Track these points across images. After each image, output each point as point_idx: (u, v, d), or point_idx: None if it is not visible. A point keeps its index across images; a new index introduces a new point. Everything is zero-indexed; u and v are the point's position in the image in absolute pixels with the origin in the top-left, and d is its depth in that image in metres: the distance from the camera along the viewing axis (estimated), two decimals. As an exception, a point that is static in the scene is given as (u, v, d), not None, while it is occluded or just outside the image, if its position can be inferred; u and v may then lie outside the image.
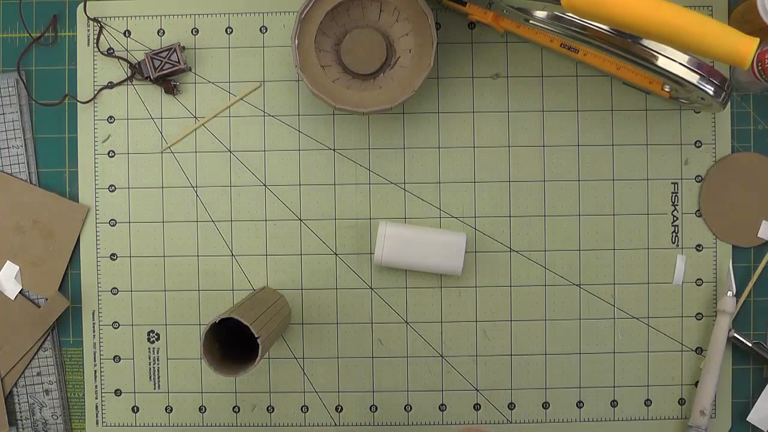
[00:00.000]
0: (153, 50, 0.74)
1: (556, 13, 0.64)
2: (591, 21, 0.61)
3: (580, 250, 0.74)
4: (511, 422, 0.75)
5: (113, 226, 0.75)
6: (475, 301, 0.75)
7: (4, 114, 0.75)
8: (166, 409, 0.75)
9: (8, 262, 0.75)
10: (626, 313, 0.74)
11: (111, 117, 0.75)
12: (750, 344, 0.73)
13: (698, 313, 0.74)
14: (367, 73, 0.71)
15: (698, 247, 0.74)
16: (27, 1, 0.75)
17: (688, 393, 0.75)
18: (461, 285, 0.75)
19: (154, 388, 0.75)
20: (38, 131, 0.76)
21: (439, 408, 0.75)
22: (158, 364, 0.75)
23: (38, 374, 0.75)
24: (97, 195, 0.75)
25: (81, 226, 0.75)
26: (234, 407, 0.75)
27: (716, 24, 0.54)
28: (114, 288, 0.75)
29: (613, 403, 0.75)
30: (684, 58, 0.62)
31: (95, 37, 0.75)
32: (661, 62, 0.62)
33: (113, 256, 0.75)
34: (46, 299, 0.75)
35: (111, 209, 0.75)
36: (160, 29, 0.75)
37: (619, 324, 0.75)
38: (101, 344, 0.75)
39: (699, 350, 0.74)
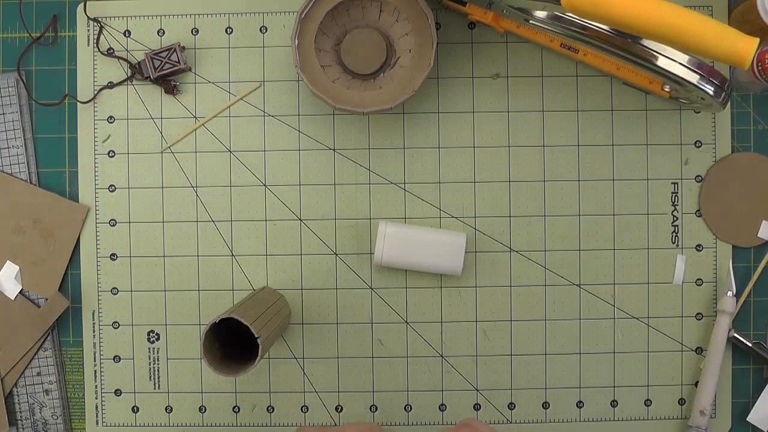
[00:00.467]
0: (153, 50, 0.74)
1: (556, 13, 0.64)
2: (591, 21, 0.61)
3: (580, 250, 0.74)
4: (511, 422, 0.75)
5: (113, 226, 0.75)
6: (475, 301, 0.75)
7: (4, 114, 0.75)
8: (166, 409, 0.75)
9: (8, 262, 0.75)
10: (626, 313, 0.74)
11: (111, 117, 0.75)
12: (750, 344, 0.73)
13: (698, 313, 0.74)
14: (367, 73, 0.71)
15: (698, 247, 0.74)
16: (27, 1, 0.75)
17: (688, 393, 0.75)
18: (461, 285, 0.75)
19: (154, 388, 0.75)
20: (38, 131, 0.76)
21: (439, 408, 0.75)
22: (158, 364, 0.75)
23: (38, 374, 0.75)
24: (97, 195, 0.75)
25: (81, 226, 0.75)
26: (234, 407, 0.75)
27: (716, 24, 0.54)
28: (114, 288, 0.75)
29: (613, 403, 0.75)
30: (684, 58, 0.62)
31: (95, 37, 0.75)
32: (661, 62, 0.62)
33: (113, 256, 0.75)
34: (46, 299, 0.75)
35: (111, 209, 0.75)
36: (160, 29, 0.75)
37: (619, 324, 0.75)
38: (101, 344, 0.75)
39: (699, 350, 0.74)
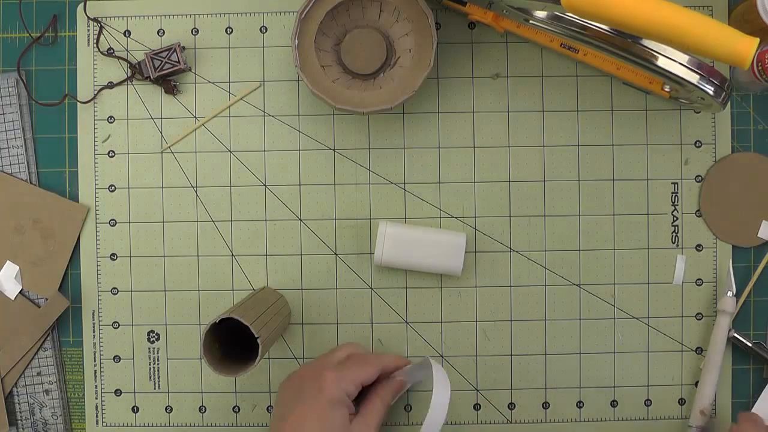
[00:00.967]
0: (153, 50, 0.74)
1: (556, 13, 0.64)
2: (591, 21, 0.61)
3: (580, 250, 0.74)
4: (511, 422, 0.75)
5: (113, 226, 0.75)
6: (475, 301, 0.75)
7: (4, 114, 0.75)
8: (166, 409, 0.75)
9: (8, 262, 0.75)
10: (626, 313, 0.74)
11: (111, 117, 0.75)
12: (750, 344, 0.73)
13: (698, 313, 0.74)
14: (367, 73, 0.71)
15: (698, 247, 0.74)
16: (27, 1, 0.75)
17: (688, 393, 0.75)
18: (461, 285, 0.75)
19: (154, 388, 0.75)
20: (38, 131, 0.76)
21: (439, 408, 0.75)
22: (158, 364, 0.75)
23: (38, 374, 0.75)
24: (97, 195, 0.75)
25: (81, 226, 0.75)
26: (234, 407, 0.75)
27: (716, 24, 0.54)
28: (114, 288, 0.75)
29: (613, 403, 0.75)
30: (684, 58, 0.62)
31: (95, 37, 0.75)
32: (661, 62, 0.62)
33: (113, 256, 0.75)
34: (46, 299, 0.75)
35: (111, 209, 0.75)
36: (160, 29, 0.75)
37: (619, 324, 0.75)
38: (101, 344, 0.75)
39: (699, 350, 0.74)
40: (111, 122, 0.75)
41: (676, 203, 0.74)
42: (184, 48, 0.74)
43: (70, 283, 0.75)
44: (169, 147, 0.75)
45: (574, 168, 0.74)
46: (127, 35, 0.75)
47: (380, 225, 0.72)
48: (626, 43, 0.62)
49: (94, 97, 0.75)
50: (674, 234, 0.74)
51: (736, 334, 0.73)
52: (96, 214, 0.75)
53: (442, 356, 0.75)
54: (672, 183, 0.74)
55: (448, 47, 0.74)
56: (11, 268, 0.75)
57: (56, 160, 0.75)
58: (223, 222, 0.75)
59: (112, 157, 0.75)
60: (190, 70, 0.75)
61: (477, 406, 0.75)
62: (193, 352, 0.75)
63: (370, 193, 0.75)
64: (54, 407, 0.75)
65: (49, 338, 0.75)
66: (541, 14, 0.65)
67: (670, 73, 0.62)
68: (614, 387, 0.75)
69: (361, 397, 0.67)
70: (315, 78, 0.70)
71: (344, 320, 0.75)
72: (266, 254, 0.75)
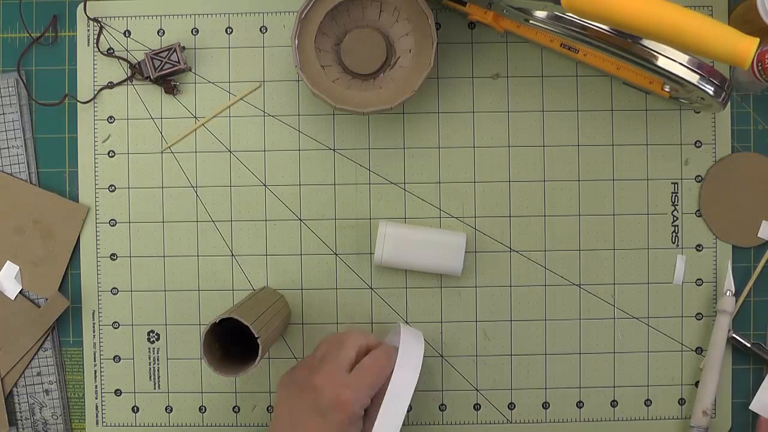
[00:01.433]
0: (153, 50, 0.74)
1: (556, 13, 0.64)
2: (591, 21, 0.61)
3: (580, 250, 0.74)
4: (511, 422, 0.75)
5: (113, 226, 0.75)
6: (475, 301, 0.75)
7: (4, 114, 0.75)
8: (166, 409, 0.75)
9: (8, 262, 0.75)
10: (626, 313, 0.74)
11: (111, 117, 0.75)
12: (750, 344, 0.73)
13: (698, 313, 0.74)
14: (367, 73, 0.71)
15: (698, 247, 0.74)
16: (27, 1, 0.75)
17: (688, 393, 0.75)
18: (461, 285, 0.75)
19: (154, 388, 0.75)
20: (38, 131, 0.76)
21: (439, 408, 0.75)
22: (158, 364, 0.75)
23: (38, 374, 0.75)
24: (97, 195, 0.75)
25: (81, 226, 0.75)
26: (234, 407, 0.75)
27: (716, 24, 0.54)
28: (114, 288, 0.75)
29: (613, 403, 0.75)
30: (684, 58, 0.62)
31: (95, 37, 0.75)
32: (661, 62, 0.62)
33: (113, 256, 0.75)
34: (46, 299, 0.75)
35: (111, 209, 0.75)
36: (160, 29, 0.75)
37: (619, 324, 0.75)
38: (101, 344, 0.75)
39: (699, 350, 0.74)
40: (111, 122, 0.75)
41: (676, 203, 0.74)
42: (184, 48, 0.74)
43: (70, 283, 0.75)
44: (169, 147, 0.75)
45: (574, 168, 0.74)
46: (127, 35, 0.75)
47: (380, 225, 0.72)
48: (626, 43, 0.62)
49: (94, 97, 0.75)
50: (674, 234, 0.74)
51: (735, 335, 0.73)
52: (96, 214, 0.75)
53: (442, 356, 0.75)
54: (672, 183, 0.74)
55: (448, 47, 0.74)
56: (11, 268, 0.75)
57: (56, 160, 0.75)
58: (223, 222, 0.75)
59: (112, 157, 0.75)
60: (190, 70, 0.75)
61: (477, 406, 0.75)
62: (193, 352, 0.75)
63: (370, 193, 0.75)
64: (54, 407, 0.75)
65: (49, 338, 0.75)
66: (541, 14, 0.65)
67: (670, 73, 0.62)
68: (614, 387, 0.75)
69: None
70: (315, 78, 0.70)
71: (344, 320, 0.75)
72: (266, 254, 0.75)
